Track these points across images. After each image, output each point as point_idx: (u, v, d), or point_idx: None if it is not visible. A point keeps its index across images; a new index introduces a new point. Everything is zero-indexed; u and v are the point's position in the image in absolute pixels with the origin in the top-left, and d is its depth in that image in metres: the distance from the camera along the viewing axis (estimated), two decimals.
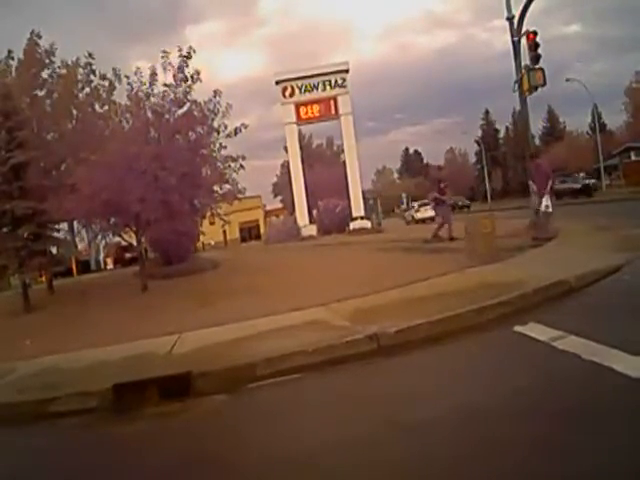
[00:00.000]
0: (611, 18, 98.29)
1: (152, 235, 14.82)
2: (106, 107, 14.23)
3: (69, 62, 15.01)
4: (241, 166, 13.14)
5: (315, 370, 5.49)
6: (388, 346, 5.83)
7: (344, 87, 26.08)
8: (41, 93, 15.34)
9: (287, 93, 25.92)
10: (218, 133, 12.57)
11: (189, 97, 12.43)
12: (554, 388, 3.94)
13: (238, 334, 7.25)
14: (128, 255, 39.63)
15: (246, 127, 12.60)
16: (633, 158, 48.64)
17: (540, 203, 12.84)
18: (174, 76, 12.34)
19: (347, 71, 26.31)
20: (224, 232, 64.31)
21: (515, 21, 14.82)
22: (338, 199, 27.94)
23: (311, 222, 26.18)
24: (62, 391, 5.80)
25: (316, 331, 6.63)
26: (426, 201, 27.22)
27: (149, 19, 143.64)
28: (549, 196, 12.94)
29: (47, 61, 15.33)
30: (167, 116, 12.25)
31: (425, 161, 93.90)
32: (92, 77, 14.52)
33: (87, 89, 14.69)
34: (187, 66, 12.37)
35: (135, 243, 13.40)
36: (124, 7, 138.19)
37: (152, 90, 12.49)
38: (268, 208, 61.19)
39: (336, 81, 25.92)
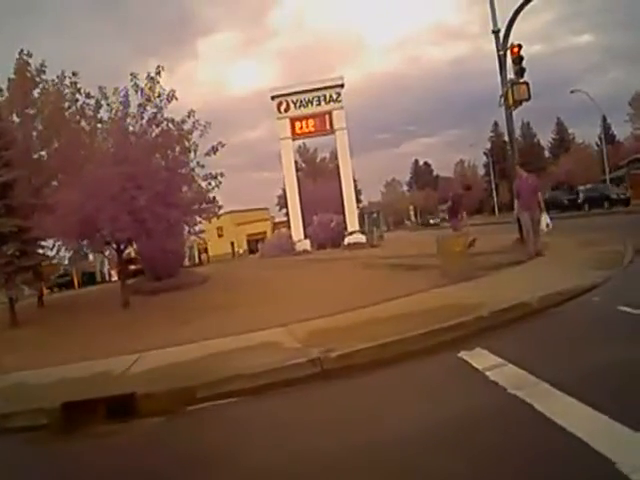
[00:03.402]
0: (623, 28, 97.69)
1: (139, 251, 14.86)
2: (93, 125, 14.30)
3: (56, 79, 15.14)
4: (219, 183, 13.18)
5: (253, 394, 5.46)
6: (331, 370, 5.79)
7: (339, 102, 26.10)
8: (31, 112, 15.51)
9: (282, 108, 26.02)
10: (195, 152, 12.62)
11: (162, 116, 12.49)
12: (468, 423, 3.80)
13: (194, 355, 7.29)
14: (132, 267, 39.84)
15: (223, 146, 12.65)
16: None
17: (532, 219, 12.55)
18: (147, 98, 12.42)
19: (342, 86, 26.35)
20: (232, 244, 64.68)
21: (501, 35, 14.56)
22: (337, 213, 27.98)
23: (306, 237, 26.13)
24: (19, 407, 5.93)
25: (266, 353, 6.61)
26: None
27: (161, 32, 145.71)
28: (539, 211, 12.72)
29: (37, 79, 15.52)
30: (143, 136, 12.34)
31: (435, 173, 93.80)
32: (78, 96, 14.63)
33: (73, 107, 14.80)
34: (155, 86, 12.43)
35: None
36: (136, 21, 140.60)
37: (127, 111, 12.57)
38: (277, 220, 61.23)
39: (331, 96, 25.96)
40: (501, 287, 8.70)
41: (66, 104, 14.75)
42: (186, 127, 12.53)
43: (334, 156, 43.17)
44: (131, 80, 12.43)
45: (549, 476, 2.91)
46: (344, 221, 25.83)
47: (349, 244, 23.63)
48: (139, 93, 12.47)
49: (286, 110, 26.03)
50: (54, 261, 16.87)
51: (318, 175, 37.36)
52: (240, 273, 17.78)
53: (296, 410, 4.95)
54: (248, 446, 4.23)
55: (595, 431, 3.20)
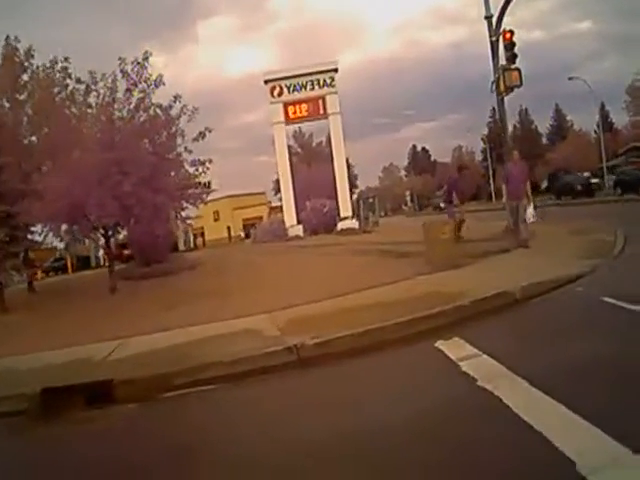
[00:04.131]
0: (624, 15, 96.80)
1: (129, 236, 14.81)
2: (83, 110, 14.13)
3: (47, 64, 14.93)
4: (207, 169, 13.08)
5: (230, 381, 5.48)
6: (307, 358, 5.80)
7: (332, 87, 25.82)
8: (21, 97, 15.32)
9: (276, 93, 25.75)
10: (183, 137, 12.50)
11: (150, 102, 12.36)
12: (434, 414, 3.79)
13: (176, 341, 7.29)
14: (127, 252, 39.84)
15: (210, 131, 12.53)
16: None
17: (517, 209, 12.49)
18: (134, 83, 12.28)
19: (336, 70, 26.04)
20: (228, 229, 64.49)
21: (494, 20, 14.39)
22: (333, 198, 27.91)
23: (299, 222, 26.06)
24: (1, 393, 5.93)
25: (245, 341, 6.61)
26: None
27: (161, 15, 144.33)
28: (527, 201, 12.66)
29: (26, 64, 15.30)
30: (130, 121, 12.22)
31: (433, 159, 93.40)
32: (68, 81, 14.44)
33: (63, 93, 14.61)
34: (143, 71, 12.27)
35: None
36: (135, 4, 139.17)
37: (114, 96, 12.43)
38: (273, 205, 60.95)
39: (324, 80, 25.68)
40: (486, 276, 8.68)
41: (56, 89, 14.55)
42: (174, 112, 12.41)
43: (330, 141, 43.09)
44: (119, 65, 12.29)
45: (505, 475, 2.86)
46: (337, 207, 25.67)
47: (342, 230, 23.56)
48: (126, 79, 12.30)
49: (279, 95, 25.79)
50: (50, 246, 16.78)
51: (314, 160, 37.14)
52: (230, 258, 17.76)
53: (271, 398, 4.95)
54: (218, 434, 4.31)
55: (560, 429, 3.15)
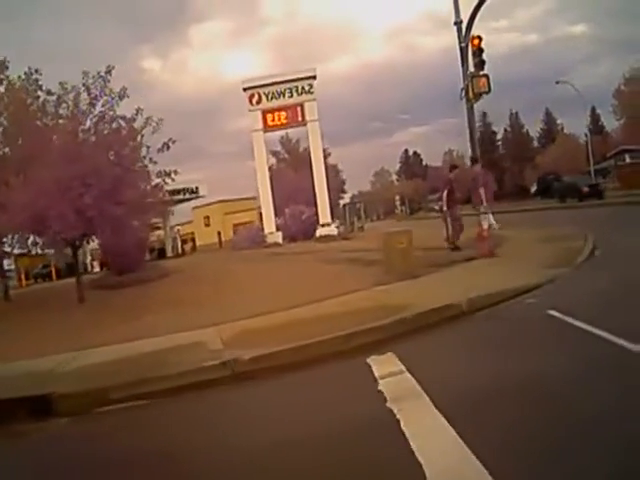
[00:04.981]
0: (617, 19, 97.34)
1: (103, 246, 14.78)
2: (54, 122, 14.05)
3: (23, 76, 14.78)
4: (172, 180, 13.08)
5: (165, 396, 5.48)
6: (242, 373, 5.81)
7: (311, 93, 25.76)
8: None
9: (254, 100, 25.69)
10: (148, 149, 12.48)
11: (114, 114, 12.34)
12: (332, 434, 3.79)
13: (124, 354, 7.27)
14: None
15: (174, 142, 12.54)
16: (628, 160, 48.04)
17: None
18: (94, 97, 12.28)
19: (314, 77, 25.99)
20: (219, 234, 64.43)
21: (463, 26, 13.99)
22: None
23: (278, 229, 26.05)
24: None
25: (188, 355, 6.64)
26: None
27: (155, 19, 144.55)
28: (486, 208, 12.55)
29: (1, 76, 15.17)
30: (93, 133, 12.22)
31: (425, 163, 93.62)
32: (39, 92, 14.31)
33: (35, 104, 14.47)
34: (106, 85, 12.28)
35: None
36: (131, 8, 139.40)
37: (78, 109, 12.41)
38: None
39: (303, 88, 25.63)
40: (440, 286, 8.69)
41: (29, 100, 14.44)
42: (138, 124, 12.40)
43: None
44: (82, 78, 12.28)
45: None
46: (316, 213, 25.65)
47: (321, 236, 23.54)
48: (87, 92, 12.31)
49: (258, 102, 25.75)
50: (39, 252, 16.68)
51: (300, 165, 37.08)
52: (204, 266, 17.70)
53: (197, 413, 4.99)
54: (137, 448, 4.30)
55: (444, 467, 3.03)
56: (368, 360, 5.47)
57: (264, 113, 25.83)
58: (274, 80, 25.79)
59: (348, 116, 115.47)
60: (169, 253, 44.67)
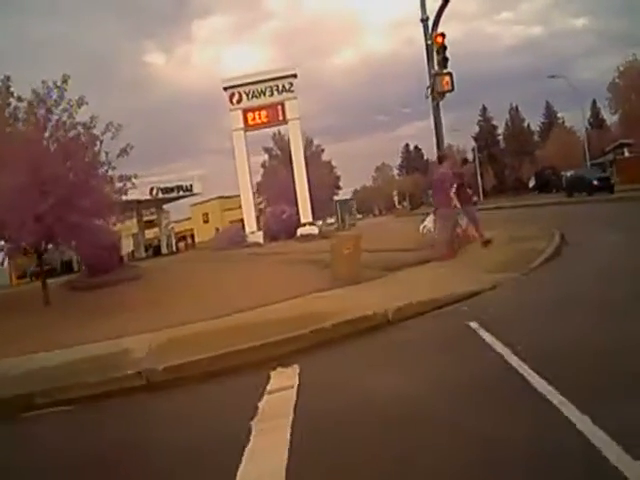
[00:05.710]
0: (620, 13, 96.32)
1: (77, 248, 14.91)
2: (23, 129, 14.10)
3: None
4: (133, 185, 13.17)
5: (85, 403, 5.69)
6: (157, 383, 5.92)
7: (291, 92, 25.68)
8: None
9: (235, 99, 25.68)
10: (107, 155, 12.56)
11: (73, 122, 12.40)
12: (185, 452, 3.89)
13: (63, 359, 7.41)
14: None
15: (132, 148, 12.61)
16: (627, 155, 47.69)
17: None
18: (48, 109, 12.37)
19: (295, 76, 25.92)
20: (217, 230, 64.68)
21: (430, 23, 13.94)
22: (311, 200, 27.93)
23: (260, 228, 26.11)
24: None
25: (113, 362, 6.74)
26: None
27: (157, 15, 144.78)
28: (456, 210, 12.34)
29: None
30: (50, 141, 12.31)
31: (426, 157, 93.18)
32: (11, 99, 14.35)
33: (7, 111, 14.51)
34: (63, 94, 12.37)
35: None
36: (134, 4, 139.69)
37: (38, 117, 12.51)
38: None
39: (283, 86, 25.54)
40: (378, 293, 8.62)
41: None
42: (97, 131, 12.49)
43: (309, 143, 43.08)
44: (43, 86, 12.37)
45: None
46: (297, 213, 25.65)
47: (302, 235, 23.56)
48: (42, 103, 12.43)
49: (238, 101, 25.75)
50: None
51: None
52: (176, 267, 17.92)
53: (100, 422, 5.15)
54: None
55: None
56: (272, 373, 5.51)
57: (245, 112, 25.83)
58: (254, 79, 25.79)
59: (352, 110, 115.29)
60: (164, 250, 44.87)
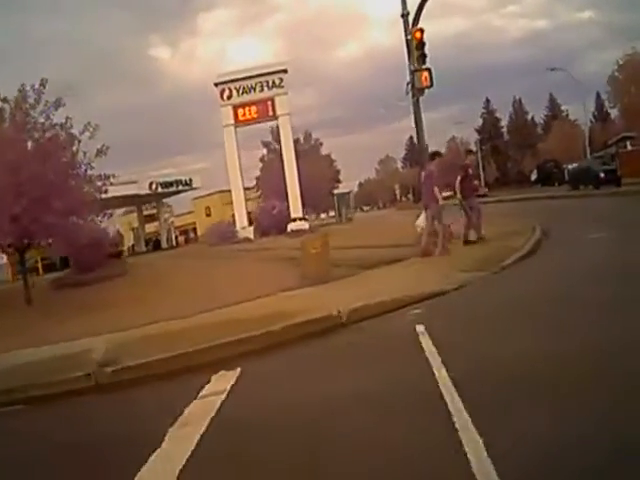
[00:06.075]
0: (625, 5, 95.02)
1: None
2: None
3: None
4: (111, 183, 13.25)
5: (37, 403, 5.82)
6: (106, 384, 6.02)
7: (281, 87, 25.69)
8: None
9: (225, 95, 25.67)
10: (85, 154, 12.65)
11: (51, 123, 12.49)
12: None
13: (28, 359, 7.53)
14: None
15: (108, 148, 12.70)
16: (629, 148, 47.24)
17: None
18: (25, 112, 12.46)
19: (285, 71, 25.88)
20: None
21: (410, 18, 13.67)
22: (308, 193, 27.96)
23: (251, 223, 26.18)
24: None
25: (68, 363, 6.84)
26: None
27: (162, 8, 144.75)
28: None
29: None
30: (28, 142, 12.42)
31: (430, 149, 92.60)
32: None
33: None
34: (40, 97, 12.47)
35: None
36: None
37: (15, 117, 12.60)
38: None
39: (273, 82, 25.54)
40: (341, 293, 8.60)
41: None
42: (75, 131, 12.57)
43: (308, 137, 43.04)
44: (19, 92, 12.46)
45: None
46: (288, 208, 25.66)
47: (292, 231, 23.58)
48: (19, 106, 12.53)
49: (229, 97, 25.75)
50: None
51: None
52: (161, 263, 18.10)
53: (48, 424, 5.24)
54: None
55: None
56: (214, 376, 5.56)
57: (235, 108, 25.86)
58: (244, 75, 25.79)
59: (358, 102, 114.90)
60: (164, 244, 45.06)
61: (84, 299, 12.89)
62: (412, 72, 13.40)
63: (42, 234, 12.44)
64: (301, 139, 43.03)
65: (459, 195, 13.01)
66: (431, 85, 13.56)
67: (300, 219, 24.97)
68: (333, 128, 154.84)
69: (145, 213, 54.41)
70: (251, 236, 24.63)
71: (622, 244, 9.68)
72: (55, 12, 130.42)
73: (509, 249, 10.70)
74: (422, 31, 13.40)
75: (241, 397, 4.82)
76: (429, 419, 3.62)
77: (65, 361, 7.05)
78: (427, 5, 13.70)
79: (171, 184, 41.16)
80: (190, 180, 42.55)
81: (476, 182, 13.04)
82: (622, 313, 5.31)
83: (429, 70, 13.47)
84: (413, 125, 14.47)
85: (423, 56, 13.38)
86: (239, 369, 5.67)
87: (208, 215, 68.26)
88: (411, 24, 13.72)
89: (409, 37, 13.65)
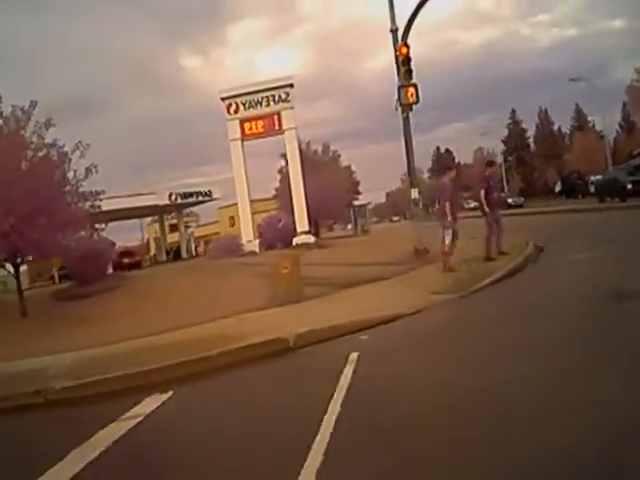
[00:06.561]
0: None
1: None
2: None
3: None
4: (100, 200, 13.58)
5: None
6: (54, 400, 6.28)
7: (288, 102, 25.76)
8: None
9: (232, 110, 25.94)
10: (75, 173, 13.06)
11: (43, 143, 12.91)
12: None
13: None
14: (126, 260, 41.23)
15: (95, 167, 13.05)
16: None
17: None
18: (15, 130, 12.89)
19: (292, 86, 26.00)
20: None
21: (399, 34, 13.70)
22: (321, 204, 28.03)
23: (257, 237, 26.38)
24: None
25: (26, 379, 7.18)
26: (305, 229, 25.74)
27: (193, 18, 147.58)
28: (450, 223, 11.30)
29: None
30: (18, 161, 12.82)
31: (457, 160, 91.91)
32: None
33: None
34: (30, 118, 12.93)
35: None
36: (170, 7, 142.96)
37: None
38: None
39: (280, 96, 25.70)
40: (305, 315, 8.62)
41: None
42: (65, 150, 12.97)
43: (326, 148, 43.18)
44: (12, 112, 12.92)
45: None
46: (293, 221, 25.73)
47: (297, 245, 23.64)
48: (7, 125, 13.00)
49: (235, 111, 26.02)
50: None
51: (311, 168, 37.24)
52: (160, 277, 18.31)
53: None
54: None
55: None
56: (147, 399, 5.70)
57: (242, 122, 26.11)
58: (251, 89, 26.07)
59: (383, 113, 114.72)
60: (184, 254, 45.68)
61: (79, 312, 13.24)
62: (398, 88, 13.34)
63: (31, 250, 12.82)
64: (319, 151, 43.27)
65: (486, 208, 12.33)
66: (417, 101, 13.47)
67: (306, 232, 25.01)
68: (359, 138, 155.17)
69: (171, 222, 55.43)
70: (257, 249, 24.78)
71: (613, 265, 9.12)
72: (88, 20, 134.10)
73: (491, 269, 10.55)
74: (408, 46, 13.35)
75: (152, 423, 4.93)
76: (285, 453, 3.72)
77: (24, 377, 7.34)
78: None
79: (191, 195, 41.81)
80: (209, 191, 43.15)
81: (502, 194, 12.51)
82: (547, 356, 4.96)
83: (415, 86, 13.43)
84: (403, 143, 14.28)
85: (409, 72, 13.34)
86: (171, 392, 5.81)
87: (232, 225, 69.14)
88: (400, 39, 13.71)
89: (397, 53, 13.63)
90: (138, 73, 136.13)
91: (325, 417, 4.17)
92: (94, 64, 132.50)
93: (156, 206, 40.56)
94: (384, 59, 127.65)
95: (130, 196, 37.66)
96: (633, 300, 6.29)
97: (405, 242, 16.26)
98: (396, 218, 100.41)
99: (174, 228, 55.45)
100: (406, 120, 14.06)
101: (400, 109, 13.83)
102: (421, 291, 9.52)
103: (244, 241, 25.72)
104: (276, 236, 24.99)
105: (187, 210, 64.10)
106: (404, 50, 13.30)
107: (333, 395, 4.70)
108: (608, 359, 4.57)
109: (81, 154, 12.86)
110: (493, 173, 13.54)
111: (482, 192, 12.32)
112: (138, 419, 5.02)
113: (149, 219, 64.62)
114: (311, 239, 24.36)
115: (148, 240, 69.41)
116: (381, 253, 16.40)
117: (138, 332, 9.15)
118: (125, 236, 68.55)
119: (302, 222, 25.18)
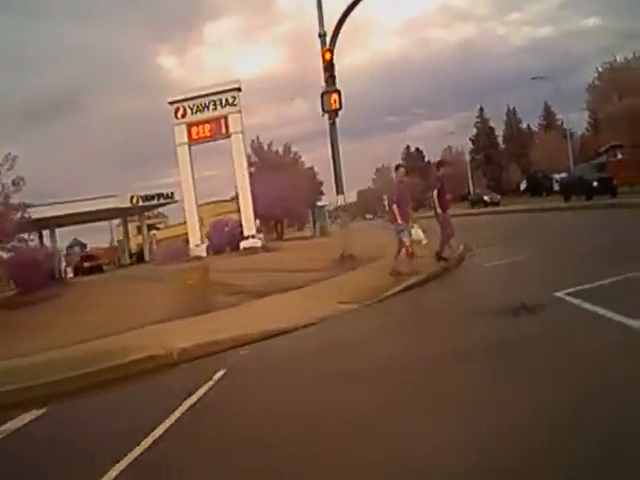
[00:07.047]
0: (632, 11, 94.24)
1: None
2: None
3: None
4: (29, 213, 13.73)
5: None
6: None
7: (235, 105, 25.88)
8: None
9: (179, 114, 26.00)
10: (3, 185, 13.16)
11: None
12: None
13: None
14: (87, 264, 40.89)
15: (22, 178, 13.16)
16: (619, 156, 46.90)
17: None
18: None
19: (239, 89, 26.19)
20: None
21: (327, 39, 13.72)
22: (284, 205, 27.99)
23: (205, 241, 26.42)
24: None
25: None
26: (252, 233, 25.79)
27: (170, 18, 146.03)
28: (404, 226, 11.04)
29: None
30: None
31: (427, 159, 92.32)
32: None
33: None
34: None
35: None
36: (148, 8, 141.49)
37: None
38: None
39: (227, 100, 25.81)
40: (204, 327, 8.61)
41: None
42: None
43: (287, 149, 43.22)
44: None
45: None
46: (241, 225, 25.79)
47: (244, 248, 23.70)
48: None
49: (183, 116, 26.06)
50: None
51: (272, 169, 37.29)
52: (101, 286, 18.31)
53: None
54: None
55: None
56: (22, 415, 5.82)
57: (189, 126, 26.17)
58: (198, 93, 26.12)
59: (362, 110, 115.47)
60: (147, 257, 45.36)
61: (12, 322, 13.21)
62: (322, 94, 13.40)
63: None
64: (280, 152, 43.32)
65: (438, 209, 12.07)
66: (340, 107, 13.55)
67: (252, 236, 25.05)
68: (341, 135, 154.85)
69: (137, 224, 54.92)
70: (204, 254, 24.77)
71: (530, 272, 9.38)
72: (74, 20, 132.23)
73: (409, 275, 10.64)
74: (332, 52, 13.44)
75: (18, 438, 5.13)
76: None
77: None
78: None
79: (152, 197, 41.48)
80: (172, 193, 42.72)
81: (448, 196, 12.46)
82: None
83: (339, 92, 13.50)
84: (329, 148, 14.19)
85: (332, 77, 13.42)
86: (45, 409, 5.98)
87: (201, 226, 69.00)
88: (328, 44, 13.69)
89: (322, 58, 13.61)
90: (115, 70, 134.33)
91: (143, 443, 4.32)
92: (65, 62, 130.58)
93: (119, 209, 40.28)
94: (360, 58, 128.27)
95: (94, 199, 37.39)
96: (525, 314, 6.26)
97: (361, 243, 16.36)
98: (369, 216, 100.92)
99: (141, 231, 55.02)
100: (332, 126, 14.07)
101: (327, 115, 13.81)
102: (330, 300, 9.62)
103: (192, 245, 25.73)
104: (223, 240, 25.06)
105: (156, 211, 63.85)
106: (328, 56, 13.36)
107: (170, 417, 4.86)
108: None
109: (10, 167, 12.94)
110: (444, 173, 13.32)
111: (435, 192, 12.08)
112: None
113: (118, 221, 64.07)
114: (258, 243, 24.40)
115: (118, 242, 68.81)
116: (316, 258, 16.42)
117: (51, 344, 9.17)
118: (99, 238, 68.35)
119: (249, 225, 25.24)
